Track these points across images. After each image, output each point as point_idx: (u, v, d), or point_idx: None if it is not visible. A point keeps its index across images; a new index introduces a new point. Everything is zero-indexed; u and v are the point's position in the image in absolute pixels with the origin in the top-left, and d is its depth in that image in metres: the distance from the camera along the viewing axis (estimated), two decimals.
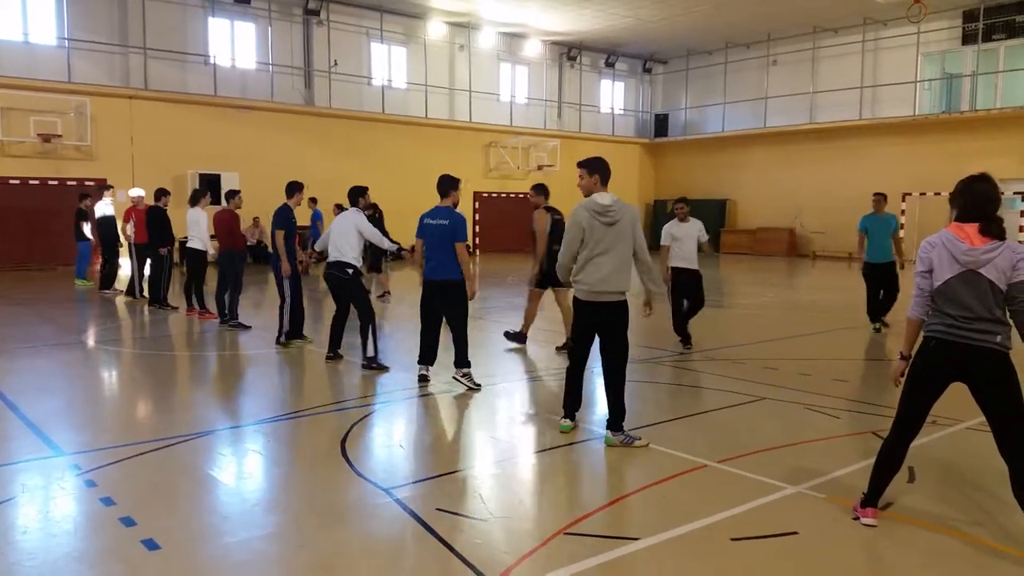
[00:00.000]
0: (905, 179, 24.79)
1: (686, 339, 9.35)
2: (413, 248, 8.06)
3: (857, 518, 4.15)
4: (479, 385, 7.21)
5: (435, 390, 7.20)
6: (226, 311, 10.87)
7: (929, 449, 5.38)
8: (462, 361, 7.27)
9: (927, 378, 3.98)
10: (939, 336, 3.89)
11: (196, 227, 11.47)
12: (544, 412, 6.48)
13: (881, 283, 10.68)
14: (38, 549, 3.80)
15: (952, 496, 4.59)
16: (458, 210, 7.30)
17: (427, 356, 7.46)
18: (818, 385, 7.48)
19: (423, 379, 7.40)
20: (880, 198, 10.79)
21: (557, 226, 8.65)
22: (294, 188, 9.44)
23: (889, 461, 4.10)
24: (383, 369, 8.02)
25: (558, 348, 9.23)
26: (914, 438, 4.08)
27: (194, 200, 11.68)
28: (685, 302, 9.36)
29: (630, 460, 5.26)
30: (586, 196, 5.58)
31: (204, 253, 11.60)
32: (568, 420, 5.87)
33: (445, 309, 7.34)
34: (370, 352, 8.10)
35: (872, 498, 4.14)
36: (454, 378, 7.28)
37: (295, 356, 8.93)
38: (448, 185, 7.31)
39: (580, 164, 5.66)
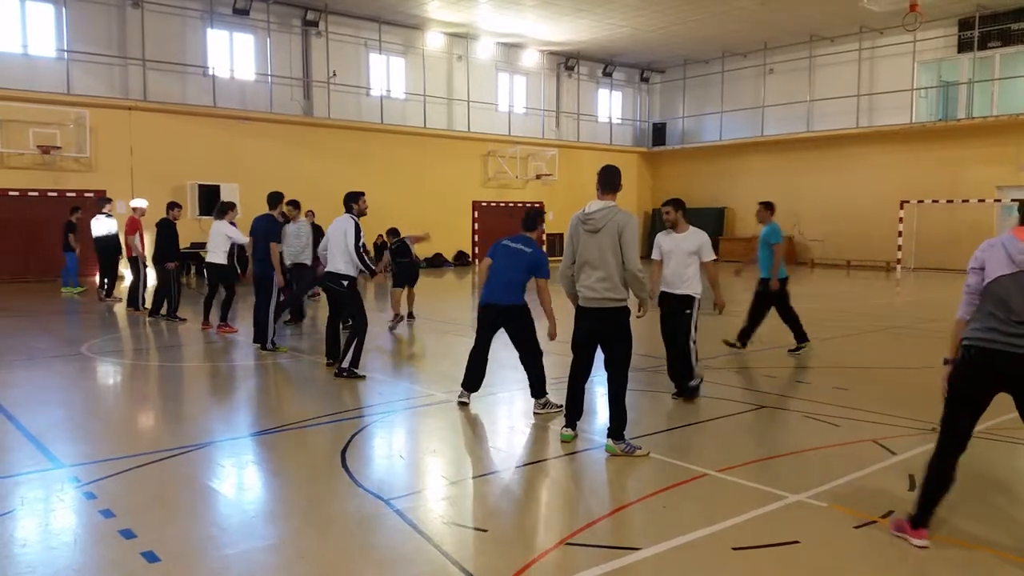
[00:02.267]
0: (902, 187, 24.86)
1: (680, 387, 7.17)
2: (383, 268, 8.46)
3: (905, 538, 3.99)
4: (561, 405, 6.29)
5: (434, 400, 7.19)
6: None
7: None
8: (540, 391, 6.70)
9: (967, 389, 3.82)
10: (978, 344, 3.75)
11: (221, 240, 11.23)
12: (544, 421, 6.47)
13: (760, 302, 9.54)
14: (37, 562, 3.79)
15: (955, 503, 4.57)
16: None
17: (472, 382, 6.91)
18: (818, 393, 7.47)
19: (463, 405, 6.89)
20: (760, 208, 9.31)
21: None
22: (278, 199, 9.61)
23: (939, 478, 3.92)
24: (358, 378, 8.03)
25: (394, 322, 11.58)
26: (961, 452, 3.90)
27: (220, 213, 11.41)
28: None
29: (631, 469, 5.26)
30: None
31: (227, 266, 11.50)
32: (569, 429, 5.86)
33: (514, 337, 6.75)
34: (346, 363, 8.05)
35: (923, 517, 3.96)
36: (535, 413, 6.65)
37: (295, 366, 8.93)
38: (535, 219, 6.89)
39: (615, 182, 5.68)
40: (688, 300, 7.10)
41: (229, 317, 11.34)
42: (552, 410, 6.61)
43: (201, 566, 3.78)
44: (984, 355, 3.73)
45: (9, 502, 4.56)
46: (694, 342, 7.13)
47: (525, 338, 6.70)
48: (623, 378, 5.61)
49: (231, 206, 11.50)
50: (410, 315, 12.19)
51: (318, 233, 13.51)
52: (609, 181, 5.58)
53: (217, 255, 11.30)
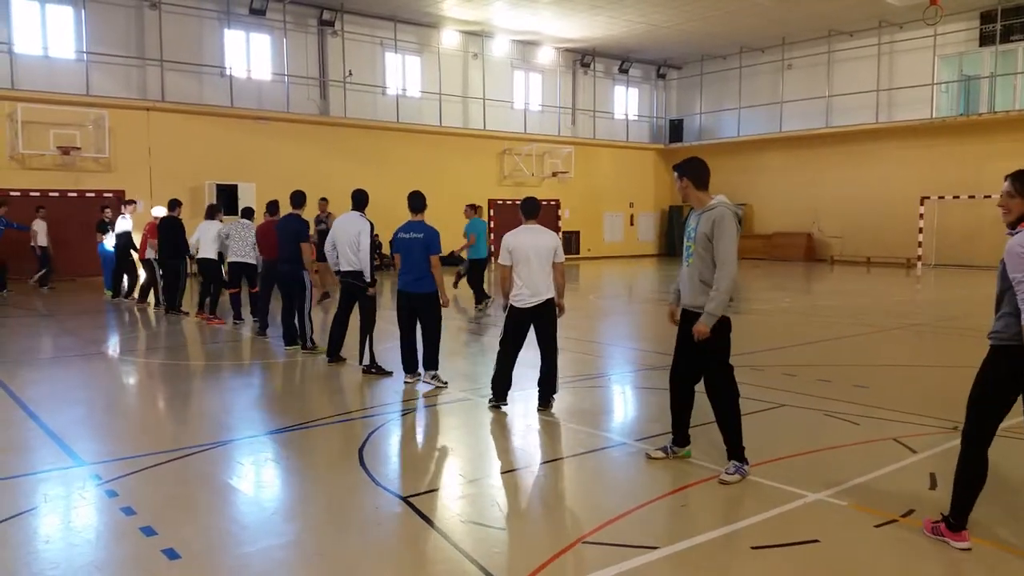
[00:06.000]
0: (923, 183, 24.59)
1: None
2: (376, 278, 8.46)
3: (946, 541, 3.91)
4: (446, 382, 7.65)
5: (452, 398, 7.20)
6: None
7: (953, 455, 5.31)
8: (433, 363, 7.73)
9: (1009, 387, 3.76)
10: (1009, 343, 3.68)
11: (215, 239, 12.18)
12: (562, 419, 6.46)
13: None
14: (60, 558, 3.83)
15: (979, 502, 4.52)
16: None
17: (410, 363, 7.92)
18: (838, 391, 7.41)
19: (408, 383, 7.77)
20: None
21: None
22: (303, 198, 9.67)
23: (976, 474, 3.87)
24: (385, 373, 8.06)
25: None
26: (989, 444, 3.86)
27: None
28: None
29: (649, 468, 5.23)
30: (685, 201, 5.20)
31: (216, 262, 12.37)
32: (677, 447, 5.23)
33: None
34: (367, 361, 8.16)
35: (961, 519, 3.89)
36: (425, 382, 7.68)
37: (312, 365, 8.96)
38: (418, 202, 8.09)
39: (677, 168, 5.27)
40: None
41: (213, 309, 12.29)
42: (439, 384, 7.53)
43: (221, 563, 3.80)
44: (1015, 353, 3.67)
45: (32, 499, 4.62)
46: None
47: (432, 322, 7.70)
48: (726, 401, 5.00)
49: (220, 208, 12.84)
50: None
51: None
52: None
53: (208, 251, 12.16)
